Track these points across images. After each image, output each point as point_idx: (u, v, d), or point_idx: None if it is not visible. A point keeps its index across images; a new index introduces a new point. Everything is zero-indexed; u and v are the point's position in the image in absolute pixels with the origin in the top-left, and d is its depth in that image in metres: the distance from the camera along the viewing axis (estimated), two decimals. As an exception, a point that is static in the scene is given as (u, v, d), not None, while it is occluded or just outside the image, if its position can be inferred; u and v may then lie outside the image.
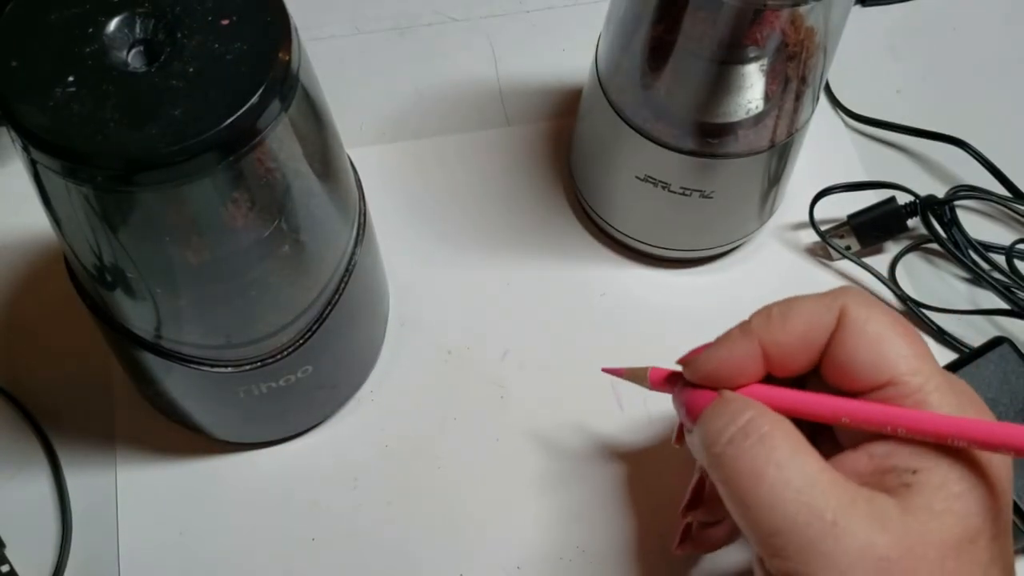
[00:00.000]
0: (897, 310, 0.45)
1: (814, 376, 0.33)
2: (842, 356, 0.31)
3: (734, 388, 0.33)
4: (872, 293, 0.48)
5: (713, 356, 0.33)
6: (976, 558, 0.29)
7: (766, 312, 0.32)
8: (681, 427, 0.36)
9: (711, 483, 0.37)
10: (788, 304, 0.32)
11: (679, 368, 0.34)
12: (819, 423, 0.32)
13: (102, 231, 0.31)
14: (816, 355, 0.32)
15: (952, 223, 0.47)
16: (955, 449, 0.29)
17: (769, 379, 0.33)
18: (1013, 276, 0.46)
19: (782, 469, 0.29)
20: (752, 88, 0.40)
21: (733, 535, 0.38)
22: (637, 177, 0.44)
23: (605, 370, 0.38)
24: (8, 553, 0.41)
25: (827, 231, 0.48)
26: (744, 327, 0.32)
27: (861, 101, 0.53)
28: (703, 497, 0.38)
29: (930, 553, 0.28)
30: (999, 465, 0.30)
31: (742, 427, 0.30)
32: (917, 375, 0.30)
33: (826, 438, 0.33)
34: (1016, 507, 0.39)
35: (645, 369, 0.36)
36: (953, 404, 0.30)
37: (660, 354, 0.36)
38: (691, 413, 0.33)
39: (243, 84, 0.29)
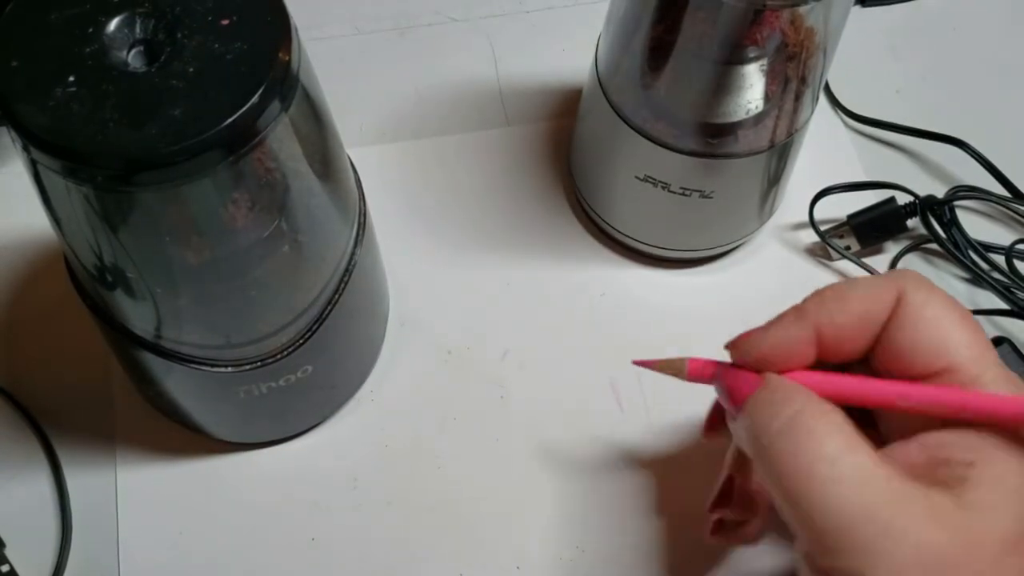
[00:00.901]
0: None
1: (859, 366, 0.32)
2: (900, 340, 0.30)
3: (782, 373, 0.31)
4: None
5: (767, 336, 0.31)
6: None
7: (820, 295, 0.32)
8: (711, 419, 0.35)
9: (740, 482, 0.36)
10: (845, 286, 0.32)
11: (713, 359, 0.33)
12: (863, 413, 0.31)
13: (102, 231, 0.31)
14: (871, 339, 0.31)
15: (952, 223, 0.47)
16: (1011, 442, 0.28)
17: (817, 365, 0.32)
18: (1013, 276, 0.46)
19: (835, 465, 0.28)
20: (752, 88, 0.40)
21: (762, 533, 0.37)
22: (637, 177, 0.44)
23: (636, 362, 0.35)
24: (8, 553, 0.41)
25: (827, 231, 0.48)
26: (799, 309, 0.32)
27: (861, 101, 0.53)
28: (731, 495, 0.36)
29: (988, 551, 0.27)
30: None
31: (791, 418, 0.29)
32: (975, 364, 0.29)
33: (869, 430, 0.31)
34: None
35: (682, 359, 0.34)
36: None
37: (660, 354, 0.36)
38: (735, 399, 0.31)
39: (243, 84, 0.29)
